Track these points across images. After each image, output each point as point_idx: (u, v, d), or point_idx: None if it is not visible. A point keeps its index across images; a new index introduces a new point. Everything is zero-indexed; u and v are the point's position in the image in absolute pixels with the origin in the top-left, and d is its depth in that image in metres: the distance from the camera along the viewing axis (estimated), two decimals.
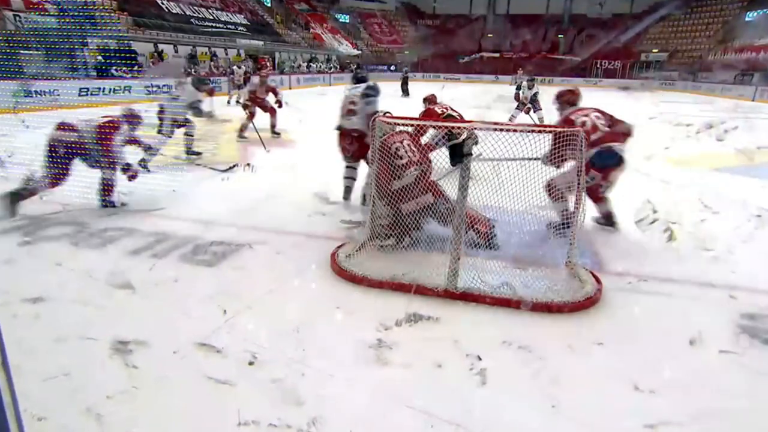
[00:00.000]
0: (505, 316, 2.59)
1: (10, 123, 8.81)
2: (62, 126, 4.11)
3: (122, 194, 4.49)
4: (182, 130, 6.57)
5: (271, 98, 8.54)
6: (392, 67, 34.18)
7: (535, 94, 9.64)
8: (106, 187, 4.31)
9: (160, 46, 18.10)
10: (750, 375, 2.17)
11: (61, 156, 4.03)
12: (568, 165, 3.18)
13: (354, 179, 4.40)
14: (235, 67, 15.79)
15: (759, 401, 2.02)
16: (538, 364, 2.18)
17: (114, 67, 14.46)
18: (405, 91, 19.06)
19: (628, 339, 2.41)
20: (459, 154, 2.61)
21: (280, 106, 8.46)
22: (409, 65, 22.58)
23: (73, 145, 4.06)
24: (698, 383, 2.09)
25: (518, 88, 10.06)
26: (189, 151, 6.71)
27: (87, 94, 12.53)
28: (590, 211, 3.40)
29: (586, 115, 3.70)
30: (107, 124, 4.27)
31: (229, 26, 24.20)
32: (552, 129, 3.00)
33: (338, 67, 31.52)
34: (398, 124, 3.34)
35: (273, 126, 8.60)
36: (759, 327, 2.54)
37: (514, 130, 2.71)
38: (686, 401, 1.97)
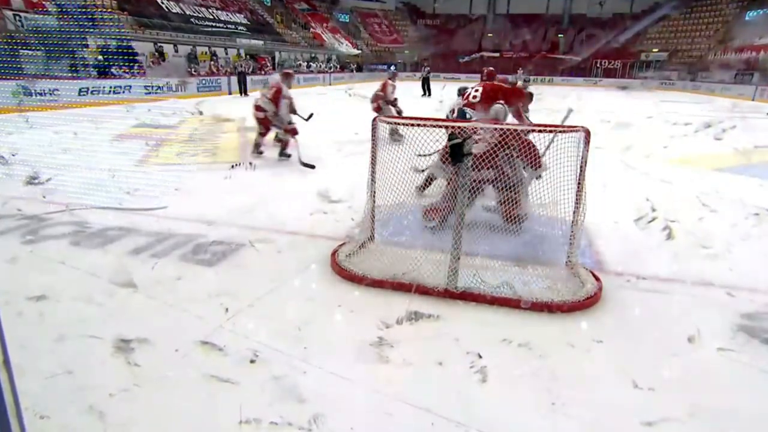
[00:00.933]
0: (505, 314, 2.61)
1: (14, 122, 8.85)
2: (256, 107, 6.42)
3: (126, 193, 4.52)
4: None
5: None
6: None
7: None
8: (283, 144, 6.40)
9: (161, 46, 18.08)
10: (748, 372, 2.18)
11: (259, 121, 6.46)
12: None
13: None
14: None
15: (757, 398, 2.03)
16: (538, 361, 2.20)
17: (114, 67, 14.46)
18: (427, 91, 18.72)
19: (628, 337, 2.43)
20: (459, 154, 2.62)
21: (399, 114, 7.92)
22: (430, 64, 21.75)
23: (262, 116, 6.36)
24: (697, 381, 2.11)
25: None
26: (281, 140, 6.81)
27: (87, 94, 12.53)
28: None
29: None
30: (274, 92, 6.25)
31: (229, 26, 24.15)
32: (552, 129, 3.01)
33: (338, 66, 31.50)
34: (397, 124, 3.35)
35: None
36: (757, 325, 2.55)
37: (515, 130, 2.72)
38: (685, 399, 1.98)
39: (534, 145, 3.39)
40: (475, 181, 3.35)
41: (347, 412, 1.88)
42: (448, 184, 3.55)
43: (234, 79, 17.89)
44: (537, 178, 3.37)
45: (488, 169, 3.34)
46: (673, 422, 1.86)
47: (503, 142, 3.18)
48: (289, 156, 6.44)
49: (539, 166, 3.40)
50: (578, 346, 2.33)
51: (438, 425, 1.81)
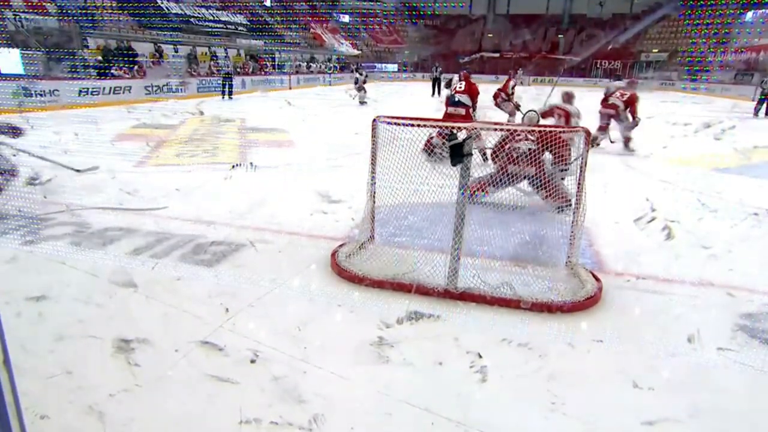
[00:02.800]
0: (505, 314, 2.61)
1: (14, 122, 8.84)
2: (610, 105, 7.75)
3: (126, 193, 4.52)
4: None
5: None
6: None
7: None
8: (627, 139, 7.71)
9: (160, 46, 18.09)
10: (748, 373, 2.18)
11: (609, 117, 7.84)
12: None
13: None
14: (357, 75, 16.02)
15: (756, 399, 2.03)
16: (538, 361, 2.20)
17: (114, 68, 14.45)
18: (437, 91, 18.54)
19: (627, 337, 2.42)
20: (459, 154, 2.62)
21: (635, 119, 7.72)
22: (442, 64, 21.28)
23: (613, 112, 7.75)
24: (696, 381, 2.11)
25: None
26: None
27: (87, 94, 12.53)
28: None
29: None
30: (629, 97, 7.62)
31: (229, 26, 24.19)
32: (552, 129, 3.01)
33: (338, 67, 31.53)
34: (398, 124, 3.36)
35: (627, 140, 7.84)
36: (756, 325, 2.55)
37: (515, 130, 2.72)
38: (684, 399, 1.98)
39: (569, 147, 3.52)
40: (516, 175, 3.66)
41: (347, 412, 1.88)
42: (497, 169, 3.87)
43: (242, 79, 17.53)
44: (561, 179, 3.61)
45: (531, 166, 3.54)
46: (673, 422, 1.86)
47: (547, 141, 3.32)
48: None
49: (566, 168, 3.53)
50: (578, 346, 2.33)
51: (438, 425, 1.81)
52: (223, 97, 16.09)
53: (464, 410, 1.89)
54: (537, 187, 3.65)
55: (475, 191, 3.80)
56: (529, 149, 3.67)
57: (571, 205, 3.42)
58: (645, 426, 1.84)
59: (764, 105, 14.24)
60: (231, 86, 16.31)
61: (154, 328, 2.37)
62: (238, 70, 18.66)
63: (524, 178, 3.70)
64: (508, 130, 3.74)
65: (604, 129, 7.87)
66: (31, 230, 3.64)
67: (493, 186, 3.66)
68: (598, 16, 36.41)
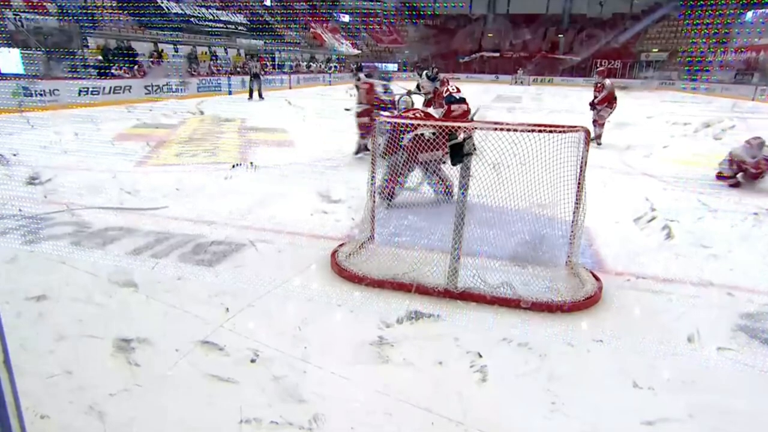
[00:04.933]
0: (505, 313, 2.61)
1: (14, 122, 8.85)
2: None
3: (127, 193, 4.53)
4: None
5: None
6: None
7: None
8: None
9: (160, 46, 18.08)
10: (748, 372, 2.18)
11: None
12: None
13: None
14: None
15: (756, 398, 2.03)
16: (538, 361, 2.20)
17: (114, 67, 14.44)
18: None
19: (627, 337, 2.42)
20: (459, 154, 2.62)
21: None
22: (438, 65, 20.97)
23: None
24: (696, 381, 2.11)
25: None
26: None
27: (87, 94, 12.52)
28: None
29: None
30: None
31: (229, 26, 24.18)
32: (552, 128, 3.01)
33: (338, 66, 31.51)
34: (398, 124, 3.37)
35: None
36: (757, 325, 2.55)
37: (514, 130, 2.73)
38: (684, 398, 1.98)
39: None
40: (430, 161, 3.90)
41: (347, 412, 1.88)
42: (389, 165, 4.03)
43: (242, 79, 17.22)
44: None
45: (439, 150, 3.69)
46: (673, 422, 1.86)
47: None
48: None
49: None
50: (578, 346, 2.33)
51: (438, 425, 1.81)
52: (250, 97, 15.71)
53: (464, 410, 1.89)
54: (430, 173, 3.96)
55: (392, 187, 4.13)
56: (432, 134, 3.81)
57: (451, 191, 3.85)
58: (645, 426, 1.84)
59: None
60: (260, 87, 15.94)
61: (154, 328, 2.37)
62: (238, 69, 18.55)
63: (437, 162, 3.96)
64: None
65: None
66: (31, 230, 3.64)
67: (403, 175, 3.95)
68: (598, 16, 36.40)
